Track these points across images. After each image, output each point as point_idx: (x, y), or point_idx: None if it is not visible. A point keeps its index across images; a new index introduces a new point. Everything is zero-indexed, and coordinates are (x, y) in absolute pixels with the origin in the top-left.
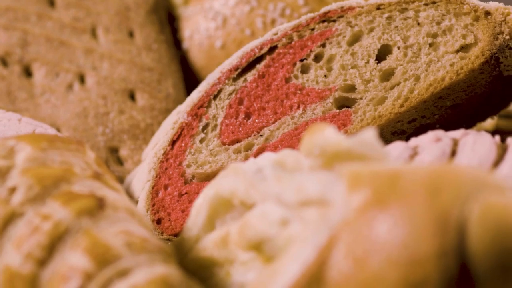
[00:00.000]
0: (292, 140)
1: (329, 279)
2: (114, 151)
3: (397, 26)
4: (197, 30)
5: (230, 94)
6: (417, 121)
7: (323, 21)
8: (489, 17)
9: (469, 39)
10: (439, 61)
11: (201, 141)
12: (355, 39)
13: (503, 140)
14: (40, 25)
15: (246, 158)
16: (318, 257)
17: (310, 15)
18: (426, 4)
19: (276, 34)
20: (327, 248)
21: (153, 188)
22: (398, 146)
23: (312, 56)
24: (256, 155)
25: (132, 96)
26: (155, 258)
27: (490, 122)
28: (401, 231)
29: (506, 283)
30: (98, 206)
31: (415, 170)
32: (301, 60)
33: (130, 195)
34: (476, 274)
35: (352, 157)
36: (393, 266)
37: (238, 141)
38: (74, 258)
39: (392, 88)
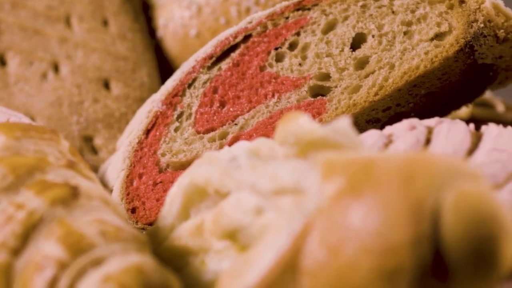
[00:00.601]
0: (266, 129)
1: (303, 267)
2: (88, 140)
3: (371, 15)
4: (172, 18)
5: (205, 82)
6: (392, 109)
7: (298, 10)
8: (463, 5)
9: (444, 27)
10: (414, 49)
11: (176, 130)
12: (330, 27)
13: (477, 128)
14: (14, 14)
15: (221, 146)
16: (293, 245)
17: (285, 3)
18: None
19: (250, 22)
20: (302, 236)
21: (127, 177)
22: (372, 135)
23: (286, 45)
24: (230, 143)
25: (106, 85)
26: (129, 247)
27: (465, 111)
28: (375, 219)
29: (479, 270)
30: (72, 195)
31: (389, 158)
32: (276, 49)
33: (104, 184)
34: (450, 261)
35: (326, 146)
36: (367, 254)
37: (212, 129)
38: (48, 247)
39: (366, 76)
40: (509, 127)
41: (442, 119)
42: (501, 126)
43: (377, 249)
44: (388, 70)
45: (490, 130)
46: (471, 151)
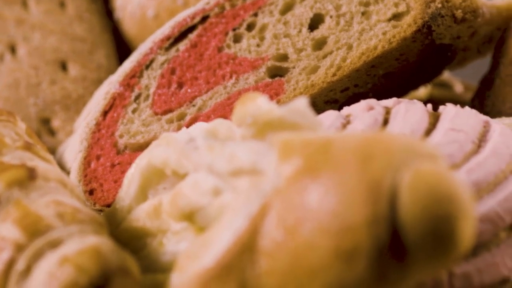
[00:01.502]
0: (224, 110)
1: (261, 247)
2: (46, 122)
3: None
4: None
5: (162, 64)
6: (350, 90)
7: None
8: None
9: (402, 8)
10: (372, 30)
11: (134, 111)
12: (288, 8)
13: (435, 108)
14: None
15: (179, 128)
16: (250, 226)
17: None
18: None
19: (208, 3)
20: (259, 216)
21: (85, 158)
22: (330, 115)
23: (244, 26)
24: (188, 125)
25: (64, 67)
26: (87, 229)
27: (423, 91)
28: (332, 199)
29: (437, 250)
30: (29, 177)
31: (346, 139)
32: (234, 30)
33: (62, 166)
34: (408, 241)
35: (284, 126)
36: (324, 234)
37: (170, 111)
38: (5, 229)
39: (324, 57)
40: (466, 107)
41: (400, 99)
42: (458, 106)
43: (334, 229)
44: (346, 50)
45: (448, 111)
46: (429, 131)
